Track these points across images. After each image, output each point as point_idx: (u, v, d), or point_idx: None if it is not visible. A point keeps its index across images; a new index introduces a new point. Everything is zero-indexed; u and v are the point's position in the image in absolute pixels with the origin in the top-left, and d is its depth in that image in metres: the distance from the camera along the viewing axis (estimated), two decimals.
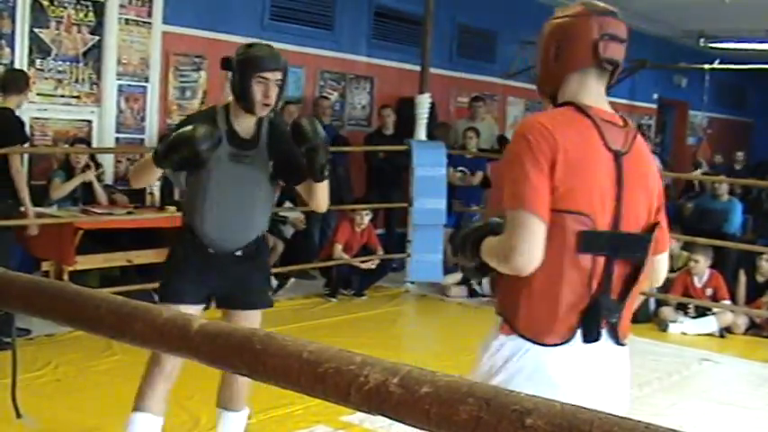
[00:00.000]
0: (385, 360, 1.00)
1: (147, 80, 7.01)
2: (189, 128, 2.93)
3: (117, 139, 6.86)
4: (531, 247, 1.86)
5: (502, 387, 0.94)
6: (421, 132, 7.66)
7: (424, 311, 7.28)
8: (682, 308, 7.03)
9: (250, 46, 3.11)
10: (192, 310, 3.08)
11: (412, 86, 8.04)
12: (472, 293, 7.44)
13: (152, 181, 3.20)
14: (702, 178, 10.01)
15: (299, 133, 3.00)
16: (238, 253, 3.14)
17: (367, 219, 7.37)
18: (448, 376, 0.95)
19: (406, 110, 8.17)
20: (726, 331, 6.86)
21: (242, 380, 3.21)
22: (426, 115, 7.68)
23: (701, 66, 11.73)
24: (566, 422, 0.85)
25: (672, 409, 4.75)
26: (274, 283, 6.31)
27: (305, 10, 8.20)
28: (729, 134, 14.97)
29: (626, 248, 1.98)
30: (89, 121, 6.68)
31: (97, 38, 6.64)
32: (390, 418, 0.97)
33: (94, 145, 6.66)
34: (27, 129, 5.65)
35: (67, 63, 6.48)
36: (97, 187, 6.21)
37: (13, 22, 6.12)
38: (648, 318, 6.86)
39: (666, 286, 6.86)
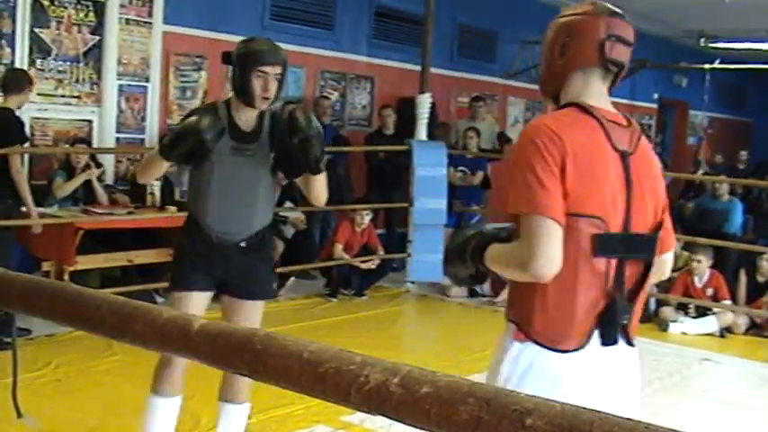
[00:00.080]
0: (385, 360, 1.00)
1: (147, 80, 7.01)
2: (193, 118, 3.03)
3: (117, 139, 6.86)
4: (551, 253, 1.83)
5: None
6: (421, 132, 7.66)
7: (425, 311, 7.28)
8: (682, 308, 7.03)
9: (250, 40, 3.16)
10: (202, 297, 3.20)
11: (412, 86, 8.04)
12: (472, 293, 7.44)
13: (159, 174, 3.26)
14: (703, 178, 10.01)
15: (293, 124, 3.03)
16: (242, 244, 3.19)
17: (367, 219, 7.37)
18: (448, 376, 0.95)
19: (406, 110, 8.17)
20: (726, 331, 6.86)
21: None
22: (427, 115, 7.68)
23: (701, 66, 11.74)
24: (566, 422, 0.85)
25: (672, 409, 4.75)
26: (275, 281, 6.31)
27: (305, 10, 8.20)
28: (730, 134, 14.97)
29: (637, 249, 1.97)
30: (89, 121, 6.69)
31: (98, 38, 6.64)
32: (391, 418, 0.97)
33: (95, 145, 6.66)
34: (27, 129, 5.65)
35: (68, 63, 6.48)
36: (98, 187, 6.22)
37: (14, 21, 6.12)
38: (649, 318, 6.86)
39: (667, 286, 6.87)
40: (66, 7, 6.42)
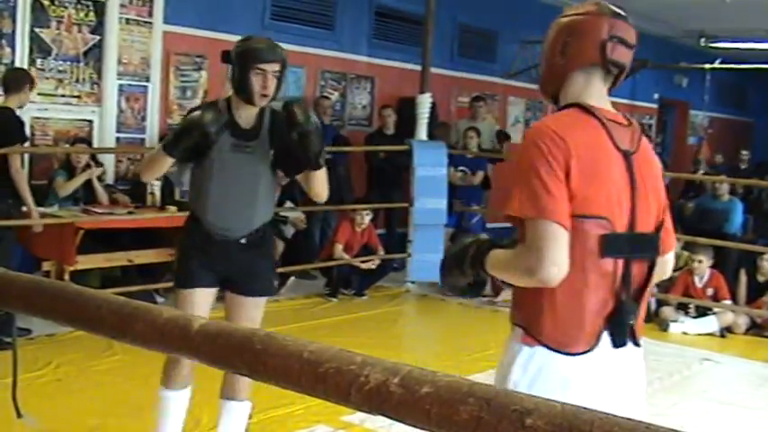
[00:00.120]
0: (385, 360, 1.00)
1: (147, 80, 7.01)
2: (196, 113, 3.08)
3: (118, 138, 6.86)
4: (558, 258, 1.82)
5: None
6: (422, 132, 7.66)
7: (425, 311, 7.28)
8: (682, 308, 7.03)
9: (248, 39, 3.20)
10: (207, 293, 3.24)
11: (413, 86, 8.05)
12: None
13: (162, 172, 3.27)
14: (703, 178, 10.00)
15: (291, 119, 3.06)
16: (243, 241, 3.22)
17: (367, 218, 7.37)
18: (448, 376, 0.95)
19: (406, 110, 8.17)
20: (726, 331, 6.87)
21: None
22: (427, 115, 7.68)
23: (701, 65, 11.73)
24: (566, 422, 0.85)
25: (673, 409, 4.75)
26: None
27: (306, 10, 8.20)
28: (730, 134, 14.97)
29: (642, 249, 1.97)
30: (90, 121, 6.69)
31: (98, 37, 6.65)
32: (391, 418, 0.97)
33: (95, 145, 6.66)
34: (28, 128, 5.65)
35: (68, 63, 6.48)
36: (98, 187, 6.22)
37: (14, 21, 6.12)
38: (649, 317, 6.85)
39: (667, 286, 6.87)
40: (66, 7, 6.42)
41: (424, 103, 7.63)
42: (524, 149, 1.92)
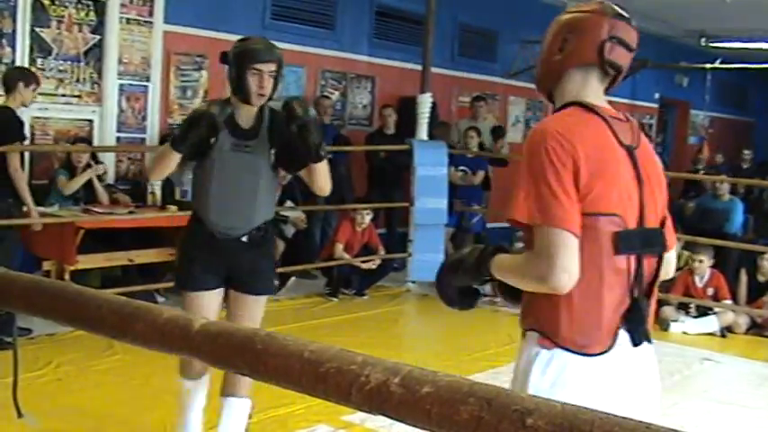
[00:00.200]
0: (386, 360, 1.00)
1: (148, 79, 7.01)
2: (201, 105, 3.24)
3: (118, 138, 6.86)
4: (569, 266, 1.81)
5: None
6: (422, 132, 7.66)
7: (425, 311, 7.27)
8: (683, 307, 7.03)
9: (245, 39, 3.27)
10: (214, 295, 3.31)
11: (413, 86, 8.04)
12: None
13: (170, 170, 3.32)
14: (704, 178, 10.00)
15: (290, 113, 3.12)
16: (244, 239, 3.26)
17: (368, 218, 7.37)
18: (449, 376, 0.95)
19: (407, 109, 8.17)
20: (727, 331, 6.87)
21: None
22: (428, 115, 7.68)
23: (702, 65, 11.72)
24: (567, 422, 0.85)
25: (673, 409, 4.75)
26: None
27: (306, 9, 8.20)
28: (731, 134, 14.96)
29: (652, 244, 1.96)
30: (90, 121, 6.68)
31: (98, 37, 6.64)
32: (391, 418, 0.97)
33: (95, 144, 6.66)
34: (28, 128, 5.64)
35: (68, 62, 6.48)
36: (98, 186, 6.22)
37: (14, 21, 6.12)
38: None
39: (668, 286, 6.87)
40: (66, 6, 6.42)
41: (425, 102, 7.63)
42: (531, 154, 1.90)
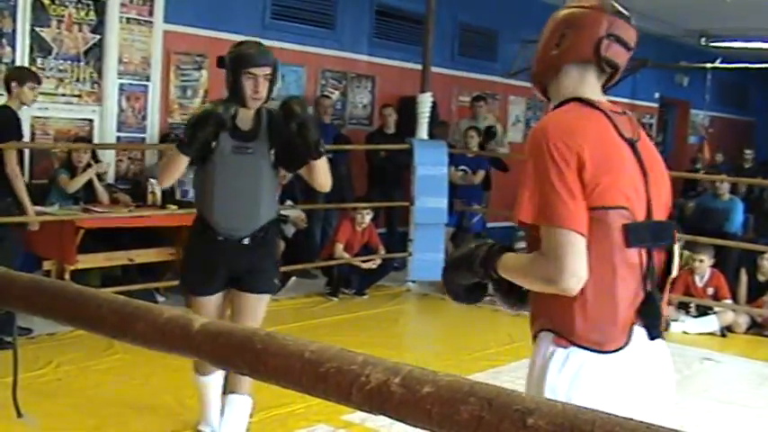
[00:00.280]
0: (386, 360, 1.00)
1: (148, 79, 7.01)
2: (206, 105, 3.31)
3: (118, 138, 6.85)
4: (577, 267, 1.80)
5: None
6: (422, 131, 7.66)
7: (426, 311, 7.27)
8: (683, 307, 7.03)
9: (240, 44, 3.36)
10: (220, 297, 3.42)
11: (413, 85, 8.04)
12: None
13: (179, 174, 3.42)
14: (704, 177, 10.00)
15: (288, 111, 3.21)
16: (246, 241, 3.34)
17: (368, 218, 7.37)
18: (449, 376, 0.95)
19: (407, 109, 8.17)
20: (727, 330, 6.87)
21: None
22: (428, 114, 7.68)
23: (702, 65, 11.71)
24: (567, 422, 0.85)
25: (673, 409, 4.75)
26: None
27: (306, 9, 8.19)
28: (731, 133, 14.95)
29: (662, 236, 1.94)
30: (90, 120, 6.68)
31: (98, 37, 6.64)
32: (392, 418, 0.97)
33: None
34: (28, 128, 5.63)
35: (68, 62, 6.48)
36: (98, 186, 6.21)
37: (14, 20, 6.12)
38: None
39: None
40: (66, 6, 6.41)
41: (425, 102, 7.63)
42: (534, 154, 1.88)
